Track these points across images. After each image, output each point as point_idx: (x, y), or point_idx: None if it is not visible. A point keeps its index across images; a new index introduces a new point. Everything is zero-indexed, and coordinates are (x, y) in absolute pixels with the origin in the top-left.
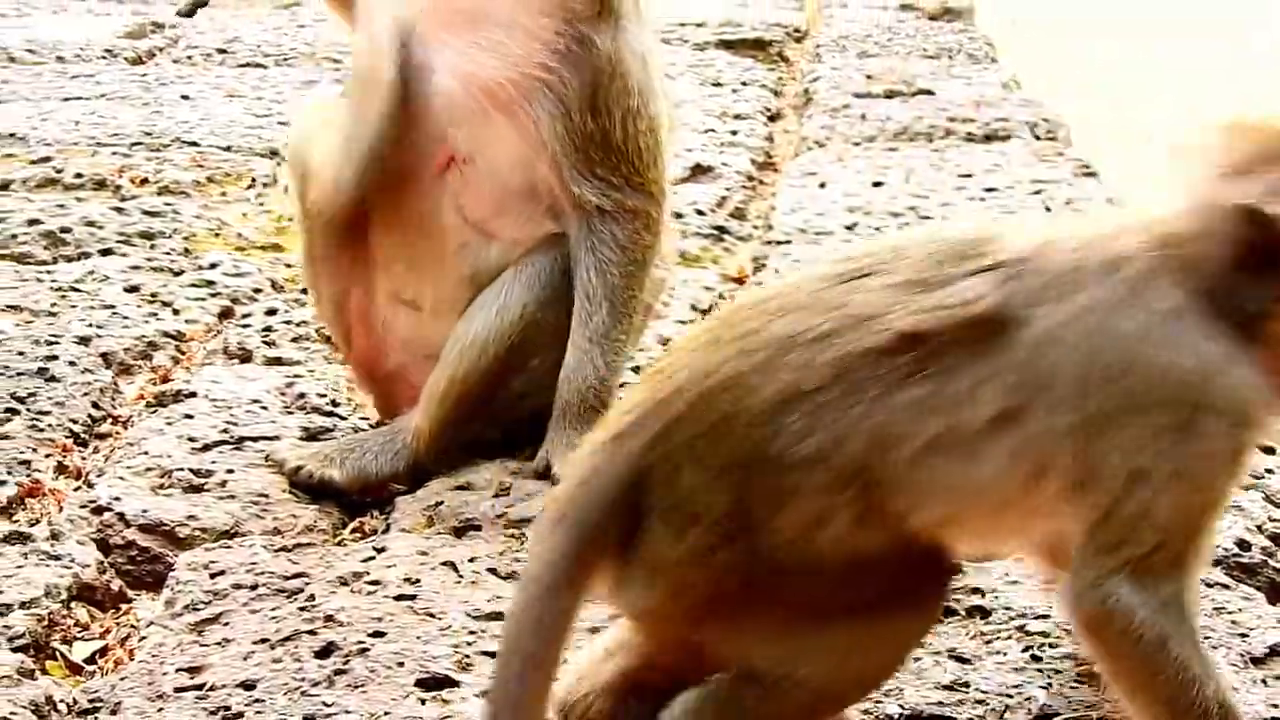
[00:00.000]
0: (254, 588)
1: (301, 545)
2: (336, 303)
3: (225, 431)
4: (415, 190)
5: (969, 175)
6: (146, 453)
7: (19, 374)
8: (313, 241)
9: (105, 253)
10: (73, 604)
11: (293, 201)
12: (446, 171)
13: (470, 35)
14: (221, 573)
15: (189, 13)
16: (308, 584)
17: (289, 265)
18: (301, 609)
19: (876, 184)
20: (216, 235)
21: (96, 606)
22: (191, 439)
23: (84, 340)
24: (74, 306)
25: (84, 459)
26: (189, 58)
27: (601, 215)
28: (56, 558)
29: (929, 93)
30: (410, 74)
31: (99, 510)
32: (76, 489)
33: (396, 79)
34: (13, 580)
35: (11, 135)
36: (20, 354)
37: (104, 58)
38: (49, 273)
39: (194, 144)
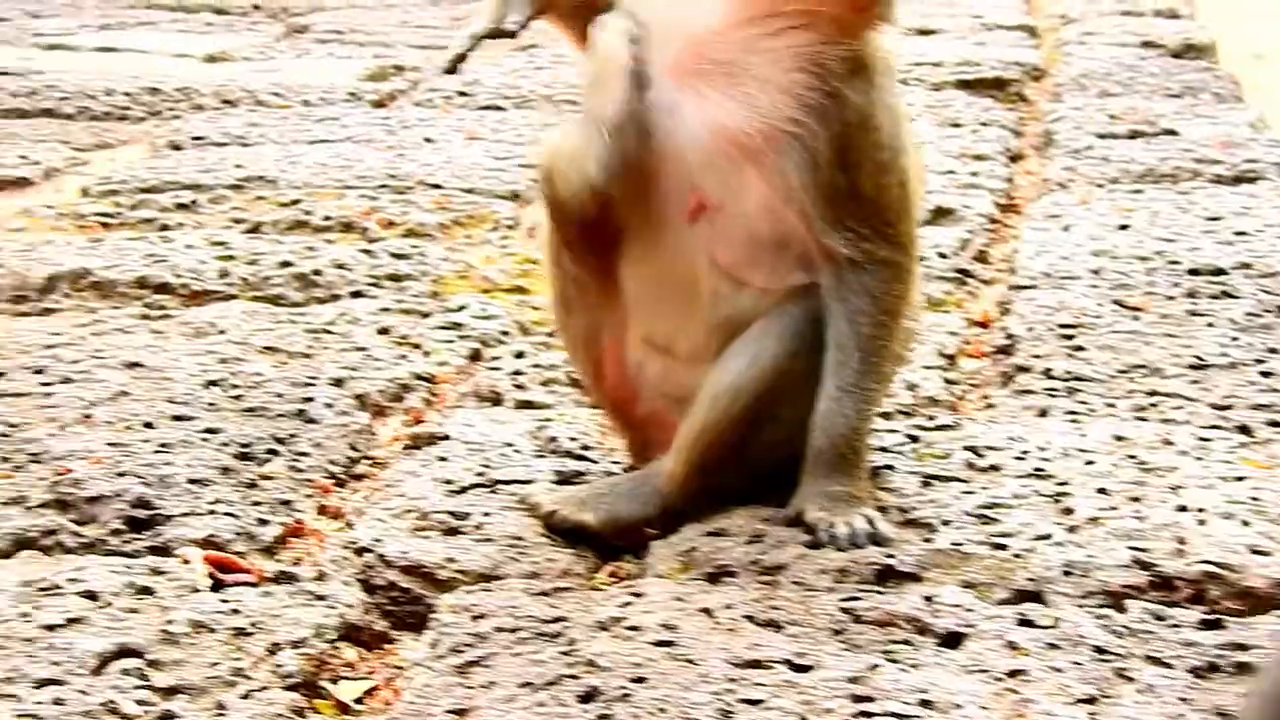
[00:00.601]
0: (515, 631)
1: (560, 589)
2: (586, 343)
3: (480, 474)
4: (666, 235)
5: (1218, 218)
6: (404, 495)
7: (279, 415)
8: (564, 276)
9: (355, 295)
10: (340, 644)
11: (542, 212)
12: (697, 218)
13: (721, 85)
14: (483, 615)
15: (451, 70)
16: (568, 628)
17: (535, 308)
18: (563, 653)
19: (1122, 227)
20: (463, 278)
21: (362, 646)
22: (447, 481)
23: (338, 382)
24: (327, 349)
25: (343, 500)
26: (430, 100)
27: (852, 266)
28: (322, 598)
29: (1173, 133)
30: (657, 109)
31: (361, 551)
32: (337, 529)
33: (631, 66)
34: (282, 620)
35: (261, 178)
36: (279, 395)
37: (348, 101)
38: (302, 314)
39: (437, 186)
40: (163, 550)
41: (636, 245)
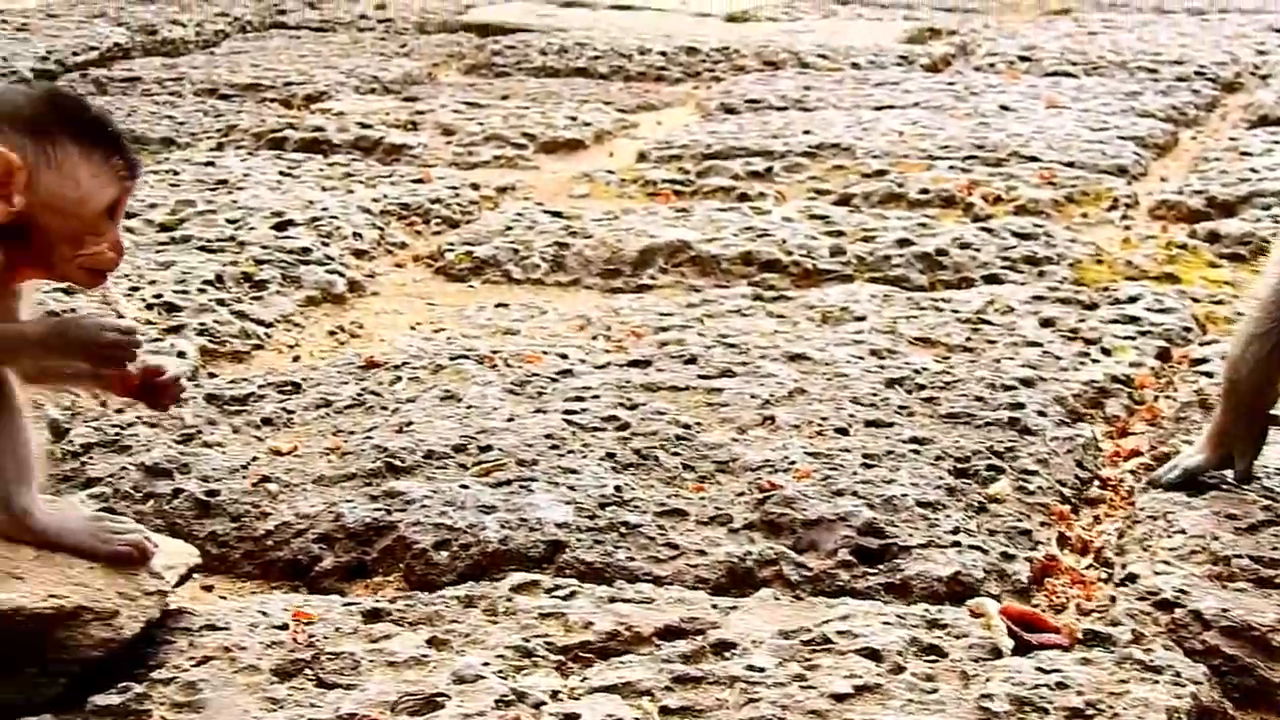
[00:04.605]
0: None
1: None
2: None
3: (1274, 507)
4: None
5: None
6: (1180, 529)
7: (987, 424)
8: None
9: (990, 279)
10: None
11: None
12: None
13: None
14: None
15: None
16: None
17: (1196, 300)
18: None
19: None
20: (1099, 261)
21: None
22: (1231, 516)
23: (1027, 383)
24: (992, 342)
25: (1086, 530)
26: (991, 65)
27: None
28: (1156, 669)
29: None
30: None
31: (1164, 605)
32: (1088, 566)
33: None
34: (1125, 700)
35: (835, 145)
36: (978, 400)
37: (900, 65)
38: (946, 301)
39: (1034, 159)
40: (902, 589)
41: None
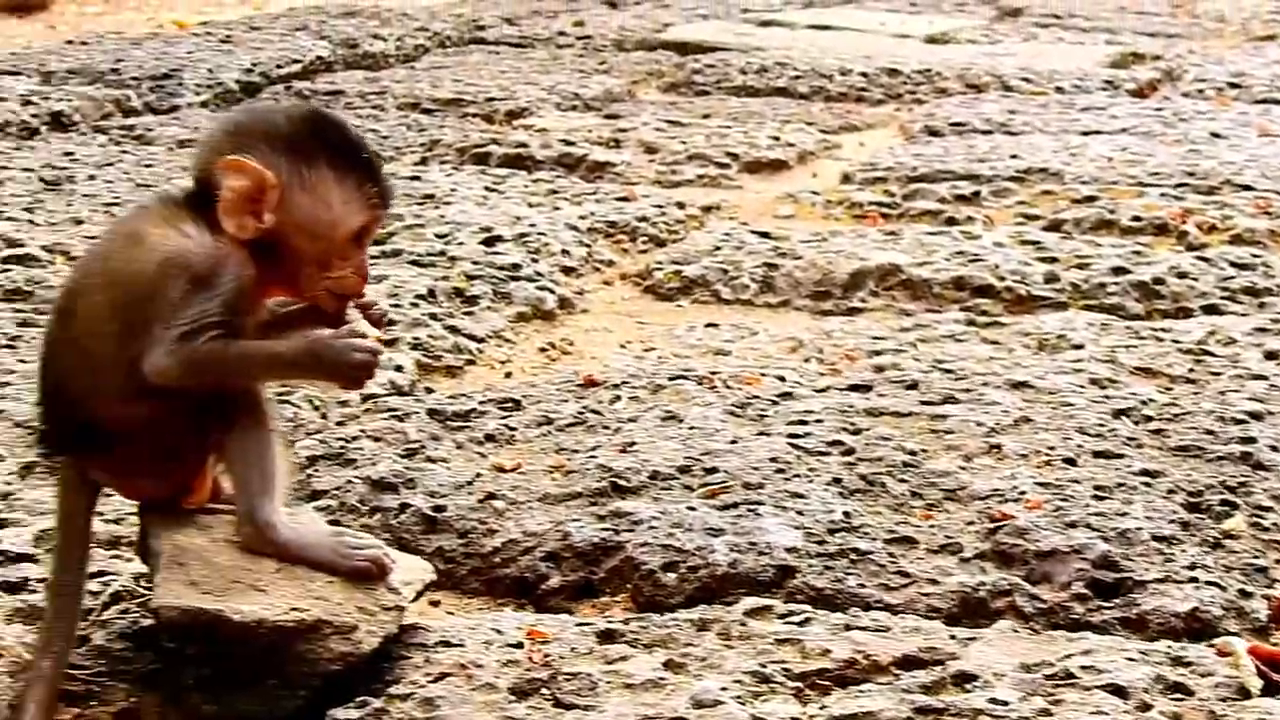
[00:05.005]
0: None
1: None
2: None
3: None
4: None
5: None
6: None
7: (1219, 458)
8: None
9: (1209, 310)
10: None
11: None
12: None
13: None
14: None
15: None
16: None
17: None
18: None
19: None
20: None
21: None
22: None
23: (1256, 416)
24: (1215, 374)
25: None
26: (1200, 91)
27: None
28: None
29: None
30: None
31: None
32: None
33: None
34: None
35: (1044, 170)
36: (1209, 433)
37: (1105, 89)
38: (1165, 331)
39: (1248, 188)
40: (1139, 624)
41: None
